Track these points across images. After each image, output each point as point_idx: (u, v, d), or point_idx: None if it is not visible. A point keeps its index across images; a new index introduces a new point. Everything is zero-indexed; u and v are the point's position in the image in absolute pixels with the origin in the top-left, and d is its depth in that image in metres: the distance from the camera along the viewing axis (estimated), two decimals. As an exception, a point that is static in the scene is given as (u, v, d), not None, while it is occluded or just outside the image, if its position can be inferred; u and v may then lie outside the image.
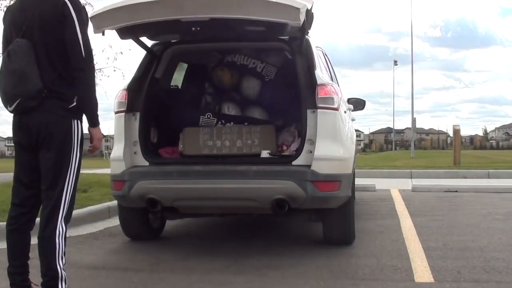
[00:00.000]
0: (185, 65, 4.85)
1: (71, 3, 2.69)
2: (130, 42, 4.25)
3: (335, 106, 3.86)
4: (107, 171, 4.29)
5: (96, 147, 2.90)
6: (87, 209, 5.60)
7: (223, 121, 4.44)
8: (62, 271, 2.71)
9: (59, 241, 2.72)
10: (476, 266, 3.61)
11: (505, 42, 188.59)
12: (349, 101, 5.52)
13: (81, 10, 2.74)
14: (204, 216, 4.97)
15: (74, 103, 2.75)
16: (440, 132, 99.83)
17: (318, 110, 3.80)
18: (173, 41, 4.41)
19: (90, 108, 2.81)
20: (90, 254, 4.14)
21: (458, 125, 14.85)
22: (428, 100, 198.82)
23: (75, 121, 2.77)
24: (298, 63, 4.03)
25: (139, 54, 4.43)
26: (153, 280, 3.40)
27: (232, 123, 4.43)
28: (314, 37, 4.46)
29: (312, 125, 3.80)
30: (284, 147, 4.26)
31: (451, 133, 36.24)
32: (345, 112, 4.31)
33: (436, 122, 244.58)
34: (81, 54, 2.68)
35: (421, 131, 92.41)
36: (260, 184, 3.73)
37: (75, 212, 5.39)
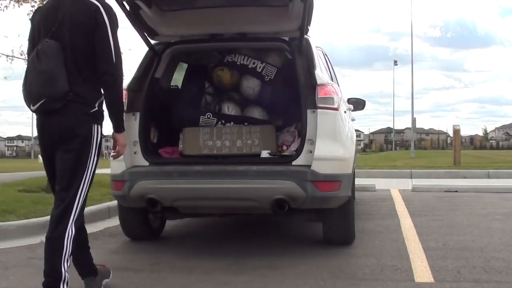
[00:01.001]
0: (185, 65, 4.85)
1: (104, 8, 2.74)
2: (130, 42, 4.26)
3: (335, 106, 3.86)
4: (107, 171, 4.28)
5: (120, 153, 2.95)
6: (87, 209, 5.51)
7: (223, 121, 4.44)
8: (66, 273, 2.69)
9: (67, 243, 2.70)
10: (476, 266, 3.61)
11: (505, 42, 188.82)
12: (349, 101, 5.52)
13: (113, 16, 2.78)
14: (204, 216, 4.97)
15: (96, 108, 2.79)
16: (440, 132, 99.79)
17: (318, 110, 3.80)
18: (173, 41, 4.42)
19: (116, 113, 2.86)
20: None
21: (458, 125, 14.86)
22: (428, 100, 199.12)
23: (95, 125, 2.79)
24: (298, 63, 4.03)
25: (139, 54, 4.44)
26: (153, 280, 3.40)
27: (232, 123, 4.43)
28: (314, 37, 4.46)
29: (312, 125, 3.79)
30: (284, 147, 4.25)
31: (451, 133, 36.23)
32: (345, 112, 4.31)
33: (436, 122, 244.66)
34: (112, 59, 2.73)
35: (421, 131, 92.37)
36: (260, 184, 3.73)
37: (75, 212, 5.42)
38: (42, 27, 2.79)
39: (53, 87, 2.66)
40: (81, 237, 2.89)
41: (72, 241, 2.72)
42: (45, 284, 2.70)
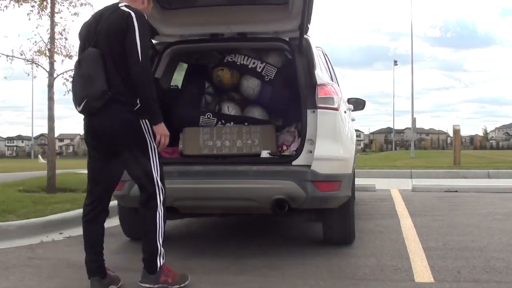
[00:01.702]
0: (185, 65, 4.85)
1: (135, 14, 3.03)
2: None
3: (335, 106, 3.86)
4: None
5: (162, 143, 3.14)
6: (87, 209, 5.59)
7: (223, 121, 4.43)
8: (161, 248, 3.10)
9: (159, 222, 3.08)
10: (476, 266, 3.61)
11: (505, 42, 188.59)
12: (349, 101, 5.52)
13: (143, 20, 3.05)
14: (204, 216, 4.97)
15: (139, 104, 3.06)
16: (440, 132, 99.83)
17: (318, 110, 3.80)
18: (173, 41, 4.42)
19: (148, 107, 3.06)
20: (90, 254, 4.13)
21: (458, 125, 14.87)
22: (428, 100, 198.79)
23: (142, 120, 3.08)
24: (298, 63, 4.03)
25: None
26: (153, 280, 3.39)
27: (232, 123, 4.43)
28: (314, 37, 4.46)
29: (312, 125, 3.79)
30: (284, 147, 4.25)
31: (451, 133, 36.21)
32: (345, 112, 4.31)
33: (436, 122, 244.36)
34: (138, 59, 2.97)
35: (421, 131, 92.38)
36: (260, 184, 3.73)
37: (75, 212, 5.43)
38: (86, 39, 3.15)
39: (92, 87, 2.97)
40: (98, 235, 3.19)
41: (97, 236, 3.14)
42: (145, 258, 3.11)
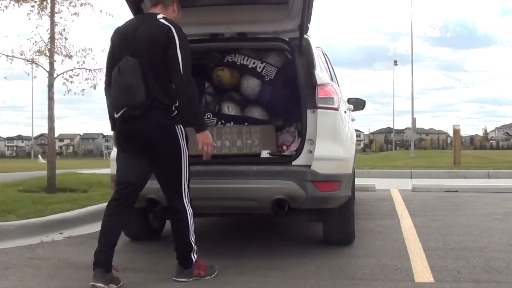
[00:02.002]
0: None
1: (174, 29, 3.22)
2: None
3: (335, 106, 3.86)
4: (107, 171, 4.28)
5: (205, 152, 3.32)
6: (87, 209, 5.60)
7: (223, 121, 4.43)
8: (194, 245, 3.31)
9: (190, 222, 3.29)
10: (476, 266, 3.61)
11: (505, 42, 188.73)
12: (349, 101, 5.52)
13: (182, 34, 3.24)
14: (203, 216, 4.96)
15: (175, 111, 3.26)
16: (440, 132, 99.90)
17: (318, 110, 3.80)
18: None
19: (192, 116, 3.30)
20: (90, 254, 4.09)
21: (458, 125, 14.88)
22: (428, 100, 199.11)
23: (178, 126, 3.27)
24: (298, 63, 4.02)
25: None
26: (153, 280, 3.40)
27: (232, 123, 4.42)
28: (314, 37, 4.46)
29: (312, 125, 3.79)
30: (284, 147, 4.25)
31: (451, 133, 36.24)
32: (345, 112, 4.31)
33: (436, 122, 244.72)
34: (180, 71, 3.18)
35: (421, 131, 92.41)
36: (260, 184, 3.73)
37: (75, 212, 5.43)
38: (122, 46, 3.29)
39: (133, 97, 3.13)
40: (115, 232, 3.30)
41: (114, 233, 3.27)
42: (180, 256, 3.33)
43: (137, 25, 3.32)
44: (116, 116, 3.22)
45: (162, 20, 3.26)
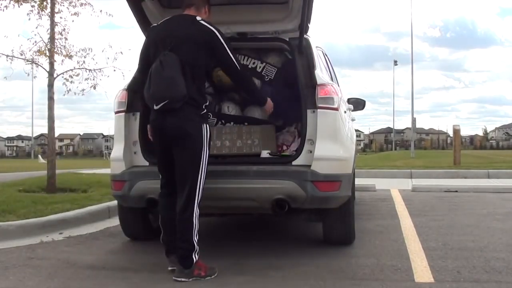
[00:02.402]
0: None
1: (217, 31, 3.46)
2: (130, 42, 4.28)
3: (335, 106, 3.86)
4: (107, 171, 4.29)
5: (270, 110, 4.07)
6: (87, 209, 5.61)
7: (223, 121, 4.43)
8: (197, 245, 3.37)
9: (195, 221, 3.36)
10: (476, 266, 3.61)
11: (505, 42, 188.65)
12: (349, 101, 5.51)
13: (224, 36, 3.52)
14: (203, 216, 4.95)
15: (204, 110, 3.43)
16: (440, 132, 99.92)
17: (318, 110, 3.80)
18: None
19: (254, 97, 4.06)
20: (90, 254, 4.14)
21: (458, 125, 14.88)
22: (428, 100, 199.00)
23: (204, 125, 3.40)
24: (298, 63, 4.03)
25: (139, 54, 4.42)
26: (153, 280, 3.40)
27: (232, 123, 4.42)
28: (314, 37, 4.46)
29: (312, 125, 3.79)
30: (284, 147, 4.25)
31: (451, 133, 36.26)
32: (345, 112, 4.31)
33: (436, 122, 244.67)
34: (237, 67, 3.61)
35: (421, 131, 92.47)
36: (260, 184, 3.72)
37: (75, 212, 5.43)
38: (158, 43, 3.44)
39: (175, 90, 3.27)
40: (173, 219, 3.43)
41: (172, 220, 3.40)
42: (180, 254, 3.36)
43: (176, 24, 3.48)
44: (156, 108, 3.33)
45: (203, 22, 3.46)
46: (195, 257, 3.36)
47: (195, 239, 3.36)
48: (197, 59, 3.40)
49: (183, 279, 3.33)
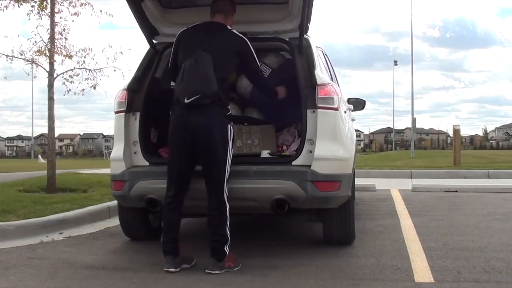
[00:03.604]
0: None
1: (248, 41, 3.75)
2: (130, 42, 4.28)
3: (335, 106, 3.86)
4: (107, 171, 4.29)
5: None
6: (87, 209, 5.61)
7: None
8: (229, 238, 3.52)
9: (228, 215, 3.53)
10: (476, 266, 3.61)
11: (505, 42, 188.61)
12: (349, 101, 5.51)
13: (252, 45, 3.76)
14: (204, 216, 4.95)
15: (229, 111, 3.66)
16: (440, 132, 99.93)
17: (318, 110, 3.80)
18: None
19: (273, 100, 4.22)
20: (90, 254, 4.14)
21: (458, 125, 14.87)
22: (428, 100, 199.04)
23: (230, 125, 3.59)
24: (298, 63, 4.03)
25: (139, 54, 4.44)
26: (153, 280, 3.40)
27: (232, 123, 4.42)
28: (314, 37, 4.46)
29: (312, 125, 3.79)
30: (284, 147, 4.25)
31: (451, 133, 36.25)
32: (345, 112, 4.31)
33: (436, 122, 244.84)
34: (262, 75, 4.12)
35: (421, 131, 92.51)
36: (260, 184, 3.73)
37: (75, 212, 5.43)
38: (191, 44, 3.67)
39: (208, 86, 3.44)
40: (176, 222, 3.63)
41: (175, 223, 3.63)
42: (214, 248, 3.51)
43: (208, 29, 3.73)
44: (187, 101, 3.44)
45: (235, 31, 3.73)
46: (227, 250, 3.50)
47: (228, 232, 3.52)
48: (227, 63, 3.63)
49: (216, 272, 3.45)
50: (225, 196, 3.52)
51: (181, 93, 3.50)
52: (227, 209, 3.52)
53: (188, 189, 3.69)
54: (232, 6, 3.88)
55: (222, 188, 3.51)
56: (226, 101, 3.65)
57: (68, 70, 7.52)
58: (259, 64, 3.89)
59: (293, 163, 3.82)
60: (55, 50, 7.28)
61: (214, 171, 3.52)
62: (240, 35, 3.73)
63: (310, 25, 4.18)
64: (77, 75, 7.56)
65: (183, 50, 3.71)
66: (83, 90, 7.64)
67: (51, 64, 7.30)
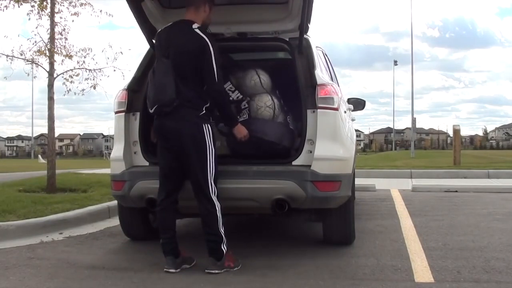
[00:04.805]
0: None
1: (209, 41, 3.55)
2: (130, 42, 4.28)
3: (335, 106, 3.86)
4: (107, 171, 4.29)
5: (241, 137, 3.81)
6: (87, 209, 5.61)
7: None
8: (224, 236, 3.51)
9: (218, 214, 3.50)
10: (476, 266, 3.61)
11: (505, 42, 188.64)
12: (349, 101, 5.51)
13: (215, 46, 3.57)
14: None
15: (204, 111, 3.56)
16: (440, 132, 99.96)
17: (318, 110, 3.80)
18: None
19: (226, 115, 3.78)
20: (90, 254, 4.14)
21: (458, 125, 14.87)
22: (428, 100, 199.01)
23: (205, 124, 3.54)
24: (298, 63, 4.02)
25: (139, 54, 4.44)
26: (153, 280, 3.40)
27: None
28: (314, 37, 4.46)
29: (312, 125, 3.79)
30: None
31: (451, 133, 36.27)
32: (345, 112, 4.31)
33: (436, 122, 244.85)
34: (215, 79, 3.54)
35: (421, 131, 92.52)
36: (260, 184, 3.73)
37: (75, 212, 5.43)
38: (159, 49, 3.72)
39: (163, 95, 3.49)
40: (170, 222, 3.66)
41: (169, 223, 3.65)
42: (210, 247, 3.52)
43: (174, 31, 3.66)
44: (151, 111, 3.59)
45: (197, 31, 3.58)
46: (224, 248, 3.50)
47: (222, 230, 3.50)
48: (191, 66, 3.54)
49: (216, 271, 3.46)
50: (212, 195, 3.51)
51: (148, 103, 3.64)
52: (217, 208, 3.50)
53: (183, 189, 3.69)
54: None
55: (207, 187, 3.49)
56: (199, 102, 3.55)
57: (68, 70, 7.52)
58: (215, 68, 3.52)
59: (293, 163, 3.81)
60: (55, 50, 7.28)
61: (193, 171, 3.53)
62: (202, 36, 3.55)
63: (310, 25, 4.17)
64: (77, 75, 7.56)
65: (154, 58, 3.80)
66: (83, 90, 7.65)
67: (51, 64, 7.30)
